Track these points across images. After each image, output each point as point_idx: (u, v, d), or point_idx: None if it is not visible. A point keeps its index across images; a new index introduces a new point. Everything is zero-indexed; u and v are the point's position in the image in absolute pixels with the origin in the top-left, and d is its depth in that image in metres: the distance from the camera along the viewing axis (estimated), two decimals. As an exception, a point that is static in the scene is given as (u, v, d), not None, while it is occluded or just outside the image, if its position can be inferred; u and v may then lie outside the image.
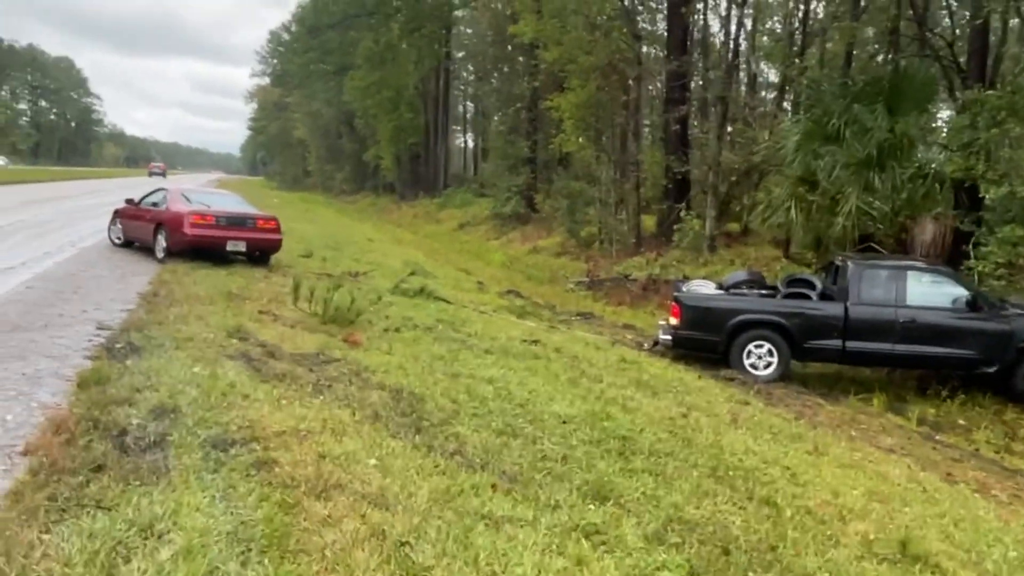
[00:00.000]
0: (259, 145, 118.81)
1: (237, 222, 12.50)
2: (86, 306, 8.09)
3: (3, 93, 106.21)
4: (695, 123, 22.91)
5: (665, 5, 24.72)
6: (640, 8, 26.95)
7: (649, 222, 24.09)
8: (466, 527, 3.63)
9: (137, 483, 3.52)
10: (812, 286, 10.69)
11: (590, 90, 22.84)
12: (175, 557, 2.89)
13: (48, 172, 56.55)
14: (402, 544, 3.33)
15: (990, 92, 13.15)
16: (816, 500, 5.07)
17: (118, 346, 6.15)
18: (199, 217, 12.00)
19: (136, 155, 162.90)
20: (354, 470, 4.07)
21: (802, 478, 5.51)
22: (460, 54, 49.82)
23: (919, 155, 12.54)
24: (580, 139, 24.22)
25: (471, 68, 53.00)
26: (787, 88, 22.73)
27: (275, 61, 77.94)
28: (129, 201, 14.24)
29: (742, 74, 25.00)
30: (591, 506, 4.32)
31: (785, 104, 23.29)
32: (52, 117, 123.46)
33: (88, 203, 25.38)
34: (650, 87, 27.82)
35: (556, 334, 10.61)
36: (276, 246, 12.96)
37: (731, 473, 5.34)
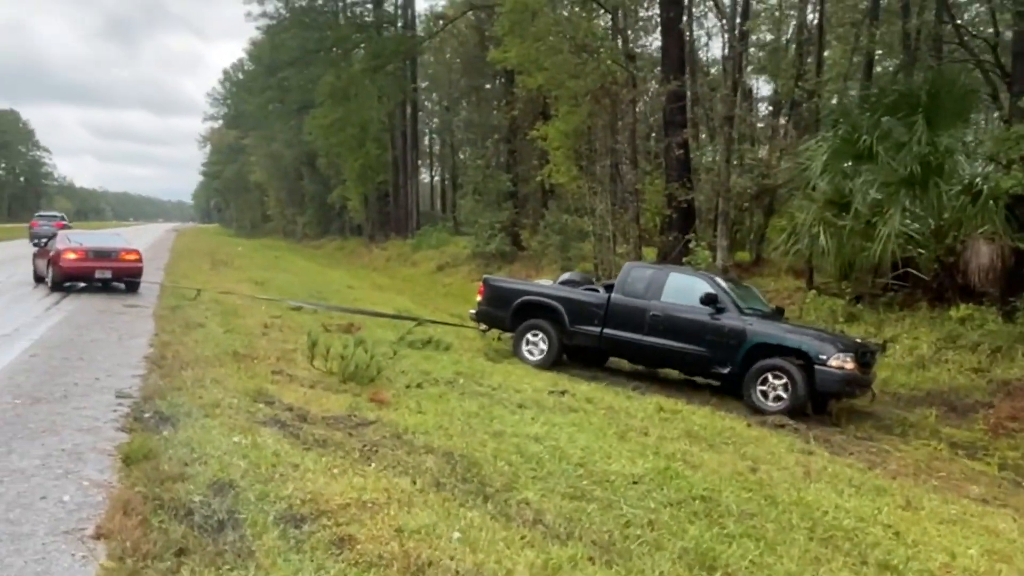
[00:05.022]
0: (213, 191, 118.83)
1: (104, 255, 16.34)
2: (97, 373, 8.27)
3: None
4: (696, 146, 23.09)
5: (658, 19, 25.01)
6: (632, 26, 27.38)
7: (651, 255, 24.18)
8: (583, 607, 3.50)
9: (227, 567, 3.53)
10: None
11: (580, 116, 22.84)
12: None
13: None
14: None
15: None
16: (935, 563, 5.03)
17: (146, 416, 6.27)
18: (72, 252, 15.81)
19: (87, 207, 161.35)
20: (439, 545, 4.02)
21: (908, 538, 5.48)
22: (424, 84, 50.07)
23: (964, 170, 12.45)
24: (571, 169, 24.20)
25: (435, 98, 53.35)
26: (782, 102, 22.97)
27: (229, 102, 77.85)
28: (37, 244, 18.65)
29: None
30: (702, 576, 4.22)
31: (781, 120, 23.50)
32: (0, 172, 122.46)
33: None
34: (641, 109, 28.03)
35: (581, 383, 10.57)
36: (138, 273, 16.65)
37: (833, 535, 5.28)
